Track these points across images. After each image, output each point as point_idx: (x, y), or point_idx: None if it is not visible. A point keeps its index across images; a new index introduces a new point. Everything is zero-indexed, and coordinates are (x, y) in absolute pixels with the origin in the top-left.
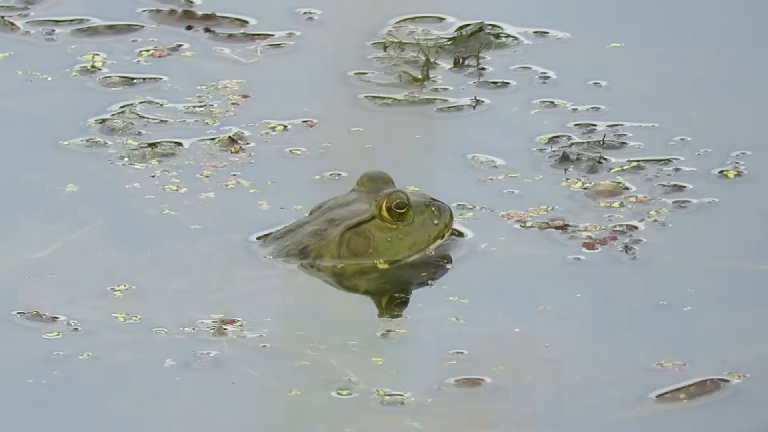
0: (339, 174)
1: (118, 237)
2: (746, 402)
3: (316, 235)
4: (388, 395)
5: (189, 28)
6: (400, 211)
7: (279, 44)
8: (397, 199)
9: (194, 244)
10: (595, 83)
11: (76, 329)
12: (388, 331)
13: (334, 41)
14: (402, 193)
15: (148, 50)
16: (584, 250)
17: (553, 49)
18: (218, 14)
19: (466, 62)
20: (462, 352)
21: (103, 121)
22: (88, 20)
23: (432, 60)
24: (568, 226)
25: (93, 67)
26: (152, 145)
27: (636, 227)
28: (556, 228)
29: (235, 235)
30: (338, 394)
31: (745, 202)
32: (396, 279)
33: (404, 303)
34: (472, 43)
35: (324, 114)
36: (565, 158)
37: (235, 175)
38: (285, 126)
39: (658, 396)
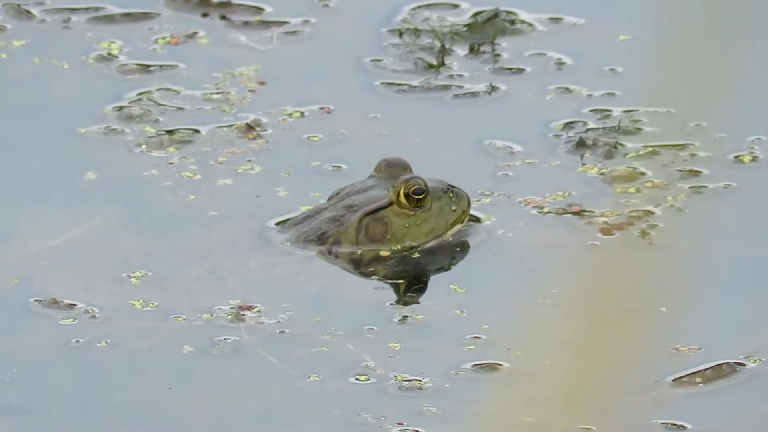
0: (339, 167)
1: (136, 224)
2: (762, 386)
3: (334, 221)
4: (405, 380)
5: (205, 15)
6: (417, 197)
7: (295, 31)
8: (414, 185)
9: (212, 230)
10: (610, 69)
11: (93, 316)
12: (406, 316)
13: (350, 28)
14: (420, 179)
15: (164, 38)
16: (601, 235)
17: (568, 35)
18: (234, 2)
19: (482, 49)
20: (479, 337)
21: (121, 108)
22: (104, 8)
23: (447, 46)
24: (585, 211)
25: (110, 54)
26: (170, 132)
27: (652, 213)
28: (573, 214)
29: (252, 221)
30: (356, 379)
31: (760, 187)
32: (413, 265)
33: (421, 289)
34: (487, 29)
35: (341, 100)
36: (581, 144)
37: (251, 161)
38: (302, 113)
39: (675, 380)
